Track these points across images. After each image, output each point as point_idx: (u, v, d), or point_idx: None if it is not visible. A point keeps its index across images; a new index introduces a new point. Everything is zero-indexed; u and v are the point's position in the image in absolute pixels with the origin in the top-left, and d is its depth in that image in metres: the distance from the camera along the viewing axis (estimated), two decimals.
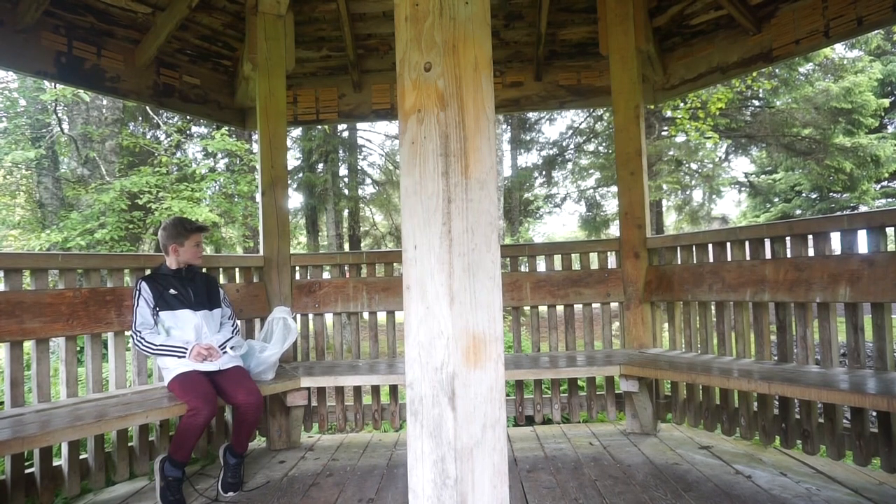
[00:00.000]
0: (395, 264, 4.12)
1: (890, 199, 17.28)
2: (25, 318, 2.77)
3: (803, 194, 17.47)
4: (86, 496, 2.97)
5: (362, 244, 15.39)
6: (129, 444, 3.18)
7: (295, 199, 14.97)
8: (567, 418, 4.08)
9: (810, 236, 3.03)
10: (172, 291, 2.98)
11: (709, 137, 12.32)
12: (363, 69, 4.64)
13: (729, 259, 3.43)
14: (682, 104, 12.07)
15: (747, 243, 3.31)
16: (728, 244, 3.45)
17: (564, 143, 16.73)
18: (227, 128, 9.44)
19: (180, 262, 3.05)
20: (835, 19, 3.30)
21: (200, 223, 3.18)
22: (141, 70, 3.91)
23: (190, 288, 3.04)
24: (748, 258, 3.30)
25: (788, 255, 3.12)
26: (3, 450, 2.19)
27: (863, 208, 15.18)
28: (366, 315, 4.14)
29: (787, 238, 3.13)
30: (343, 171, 14.41)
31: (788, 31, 3.54)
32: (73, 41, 3.53)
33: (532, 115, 16.45)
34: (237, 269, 3.91)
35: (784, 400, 3.10)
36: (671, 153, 14.46)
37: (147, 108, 10.82)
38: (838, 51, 14.07)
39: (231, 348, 3.06)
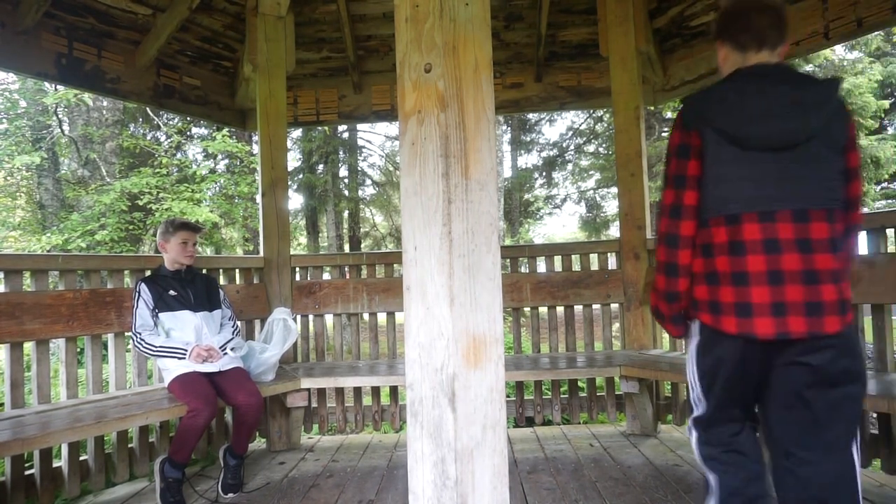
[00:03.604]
0: (395, 265, 4.12)
1: (890, 201, 17.28)
2: (25, 319, 2.77)
3: None
4: (86, 497, 2.97)
5: (362, 245, 15.38)
6: (129, 445, 3.18)
7: (295, 200, 14.97)
8: (567, 419, 4.08)
9: None
10: (172, 293, 2.98)
11: None
12: (363, 70, 4.64)
13: None
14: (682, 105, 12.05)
15: None
16: None
17: (564, 145, 16.73)
18: (227, 129, 9.44)
19: (170, 260, 3.04)
20: (834, 21, 3.30)
21: (187, 220, 3.16)
22: (141, 71, 3.91)
23: (189, 289, 3.04)
24: None
25: None
26: (3, 451, 2.19)
27: (863, 209, 15.14)
28: (366, 316, 4.14)
29: None
30: (343, 172, 14.40)
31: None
32: (74, 42, 3.53)
33: (532, 117, 16.44)
34: (237, 270, 3.91)
35: None
36: None
37: (147, 109, 10.82)
38: (838, 52, 14.09)
39: (231, 349, 3.06)
